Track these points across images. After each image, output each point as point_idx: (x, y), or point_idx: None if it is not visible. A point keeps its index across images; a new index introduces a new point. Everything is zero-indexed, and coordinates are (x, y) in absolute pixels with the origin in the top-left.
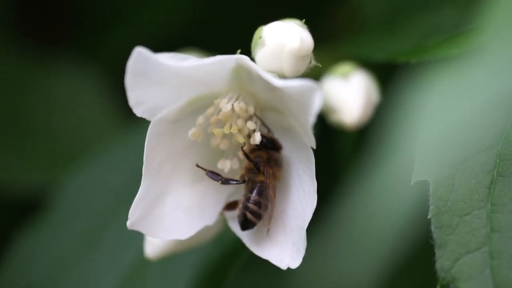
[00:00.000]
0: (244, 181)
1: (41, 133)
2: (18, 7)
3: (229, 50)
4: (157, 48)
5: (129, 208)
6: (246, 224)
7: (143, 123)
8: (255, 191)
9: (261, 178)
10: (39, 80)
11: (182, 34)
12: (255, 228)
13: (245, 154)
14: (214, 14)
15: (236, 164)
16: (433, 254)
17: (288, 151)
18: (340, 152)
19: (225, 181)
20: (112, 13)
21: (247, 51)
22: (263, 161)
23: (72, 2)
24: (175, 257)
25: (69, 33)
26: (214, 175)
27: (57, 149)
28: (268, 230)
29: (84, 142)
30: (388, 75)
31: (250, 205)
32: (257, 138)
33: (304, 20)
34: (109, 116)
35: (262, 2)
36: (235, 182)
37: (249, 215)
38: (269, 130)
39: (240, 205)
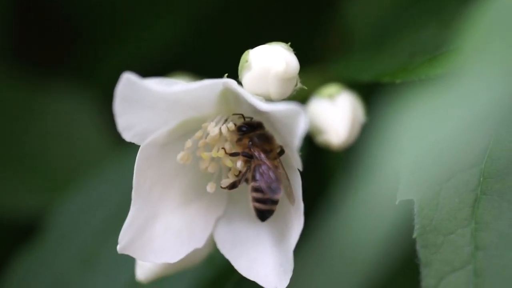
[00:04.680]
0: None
1: (37, 156)
2: (14, 31)
3: (221, 72)
4: (150, 71)
5: None
6: (262, 216)
7: (137, 146)
8: (251, 181)
9: (253, 164)
10: (34, 103)
11: (175, 57)
12: (243, 249)
13: (229, 154)
14: (207, 37)
15: (225, 185)
16: (418, 273)
17: None
18: (327, 172)
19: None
20: (106, 37)
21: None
22: (246, 148)
23: (67, 26)
24: (167, 278)
25: (64, 57)
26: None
27: (53, 172)
28: (293, 202)
29: (79, 165)
30: (374, 95)
31: (253, 194)
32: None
33: (289, 43)
34: (104, 139)
35: (253, 25)
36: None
37: (257, 204)
38: (243, 117)
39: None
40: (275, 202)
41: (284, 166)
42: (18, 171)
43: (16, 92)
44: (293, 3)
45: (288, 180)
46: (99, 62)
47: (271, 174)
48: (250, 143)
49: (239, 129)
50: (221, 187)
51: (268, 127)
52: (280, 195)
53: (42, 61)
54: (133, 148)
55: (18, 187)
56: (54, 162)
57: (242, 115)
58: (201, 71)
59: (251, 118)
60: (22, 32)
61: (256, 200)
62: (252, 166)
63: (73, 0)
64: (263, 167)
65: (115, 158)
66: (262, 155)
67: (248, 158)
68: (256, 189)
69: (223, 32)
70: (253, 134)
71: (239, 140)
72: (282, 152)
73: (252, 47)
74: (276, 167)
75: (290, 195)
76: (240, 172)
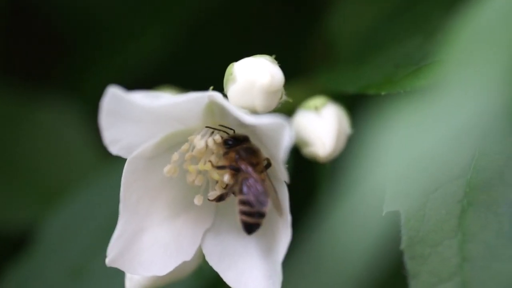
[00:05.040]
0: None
1: (25, 170)
2: (1, 44)
3: (208, 84)
4: (137, 83)
5: None
6: (249, 229)
7: (124, 159)
8: (238, 193)
9: (240, 177)
10: (23, 116)
11: (162, 69)
12: (232, 262)
13: (215, 167)
14: (193, 49)
15: (212, 198)
16: (406, 284)
17: None
18: (313, 184)
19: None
20: (93, 50)
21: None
22: (234, 161)
23: (54, 39)
24: None
25: (51, 70)
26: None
27: (43, 185)
28: (281, 214)
29: (68, 177)
30: (359, 107)
31: (241, 207)
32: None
33: (274, 55)
34: (92, 151)
35: (239, 38)
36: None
37: (244, 218)
38: (227, 133)
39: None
40: (262, 215)
41: (271, 178)
42: (6, 184)
43: (3, 105)
44: (278, 15)
45: (276, 192)
46: (86, 75)
47: (258, 186)
48: (237, 156)
49: (225, 142)
50: (209, 199)
51: (254, 140)
52: (268, 208)
53: (29, 75)
54: (121, 161)
55: (6, 200)
56: (42, 175)
57: (225, 131)
58: (187, 83)
59: (234, 131)
60: (9, 45)
61: (244, 213)
62: (239, 179)
63: (60, 13)
64: (251, 180)
65: (103, 170)
66: (249, 168)
67: (235, 171)
68: (243, 202)
69: (209, 44)
70: (239, 147)
71: (225, 154)
72: (268, 165)
73: (238, 59)
74: (263, 180)
75: (278, 207)
76: (227, 185)
